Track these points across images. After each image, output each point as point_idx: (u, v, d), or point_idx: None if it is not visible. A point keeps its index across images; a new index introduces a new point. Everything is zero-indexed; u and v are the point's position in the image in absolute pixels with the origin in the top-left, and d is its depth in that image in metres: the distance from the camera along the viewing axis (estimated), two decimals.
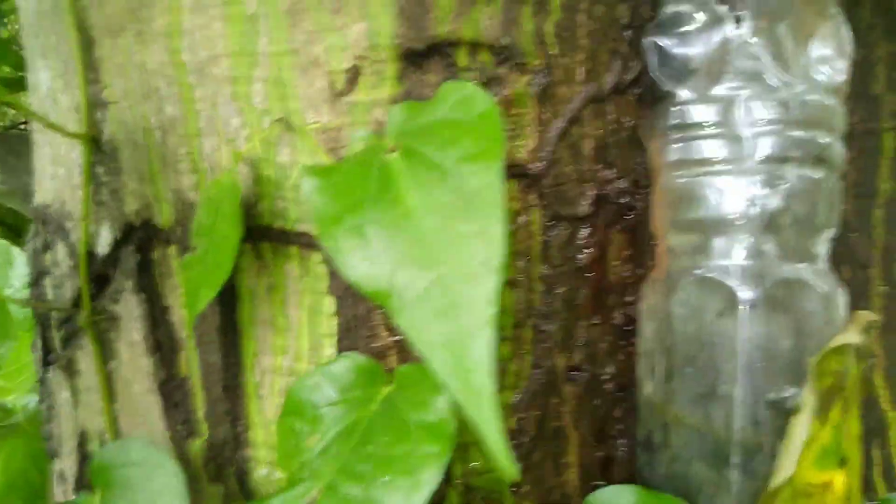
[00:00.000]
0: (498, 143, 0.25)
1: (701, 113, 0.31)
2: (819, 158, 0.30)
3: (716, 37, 0.31)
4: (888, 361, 0.41)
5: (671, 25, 0.33)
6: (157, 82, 0.38)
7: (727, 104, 0.31)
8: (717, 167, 0.31)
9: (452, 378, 0.22)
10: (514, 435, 0.37)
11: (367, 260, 0.25)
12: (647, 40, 0.33)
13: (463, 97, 0.28)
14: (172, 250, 0.40)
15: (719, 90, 0.31)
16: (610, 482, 0.38)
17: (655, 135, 0.34)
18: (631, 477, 0.38)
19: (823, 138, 0.31)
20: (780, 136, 0.30)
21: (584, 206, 0.37)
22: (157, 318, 0.42)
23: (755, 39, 0.31)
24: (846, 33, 0.31)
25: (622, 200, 0.38)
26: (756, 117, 0.30)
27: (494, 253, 0.23)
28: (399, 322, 0.24)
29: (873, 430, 0.41)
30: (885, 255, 0.40)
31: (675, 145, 0.32)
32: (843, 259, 0.40)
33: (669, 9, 0.34)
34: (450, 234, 0.25)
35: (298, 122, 0.34)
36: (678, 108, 0.32)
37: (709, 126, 0.31)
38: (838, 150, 0.31)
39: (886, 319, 0.41)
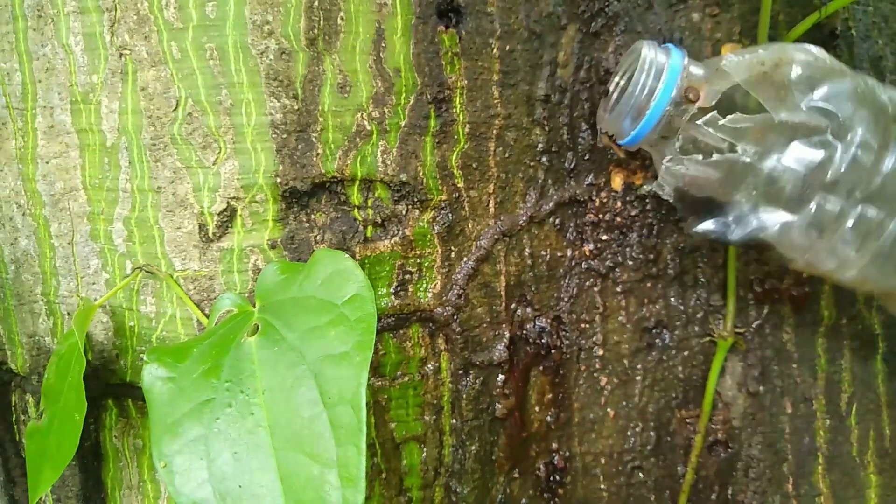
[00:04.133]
0: (367, 340, 0.21)
1: None
2: None
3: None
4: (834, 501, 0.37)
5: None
6: (11, 210, 0.33)
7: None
8: None
9: None
10: None
11: (206, 486, 0.21)
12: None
13: (336, 272, 0.23)
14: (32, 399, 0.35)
15: None
16: None
17: None
18: None
19: None
20: None
21: (498, 351, 0.33)
22: (11, 473, 0.36)
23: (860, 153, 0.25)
24: None
25: (542, 340, 0.34)
26: None
27: (354, 496, 0.19)
28: None
29: None
30: (828, 387, 0.37)
31: None
32: (786, 391, 0.37)
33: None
34: (304, 465, 0.20)
35: (165, 268, 0.30)
36: None
37: None
38: None
39: (831, 454, 0.38)
